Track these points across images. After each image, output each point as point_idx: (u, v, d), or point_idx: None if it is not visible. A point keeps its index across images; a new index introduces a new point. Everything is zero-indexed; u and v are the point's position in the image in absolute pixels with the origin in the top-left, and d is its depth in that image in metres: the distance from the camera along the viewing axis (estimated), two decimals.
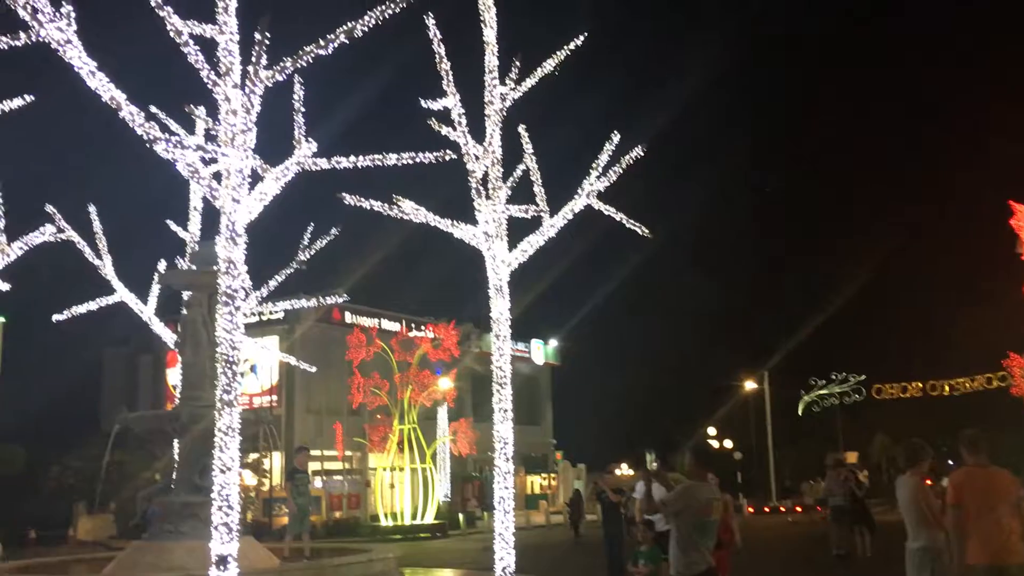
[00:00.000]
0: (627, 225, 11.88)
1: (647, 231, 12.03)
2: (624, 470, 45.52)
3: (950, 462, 35.11)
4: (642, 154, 11.67)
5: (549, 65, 11.38)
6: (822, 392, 60.63)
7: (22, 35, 7.46)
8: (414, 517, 35.26)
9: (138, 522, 16.10)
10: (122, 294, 14.71)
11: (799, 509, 42.97)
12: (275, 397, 43.58)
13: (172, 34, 8.03)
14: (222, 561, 8.22)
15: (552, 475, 56.53)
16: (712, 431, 52.46)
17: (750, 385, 53.36)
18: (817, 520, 31.75)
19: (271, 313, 16.68)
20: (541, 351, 58.39)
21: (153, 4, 7.90)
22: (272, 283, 15.34)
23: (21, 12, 7.23)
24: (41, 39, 7.34)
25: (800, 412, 60.96)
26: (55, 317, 15.28)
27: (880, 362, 61.58)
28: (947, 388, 56.65)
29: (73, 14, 7.43)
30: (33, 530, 33.38)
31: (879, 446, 57.70)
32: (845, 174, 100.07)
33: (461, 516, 37.43)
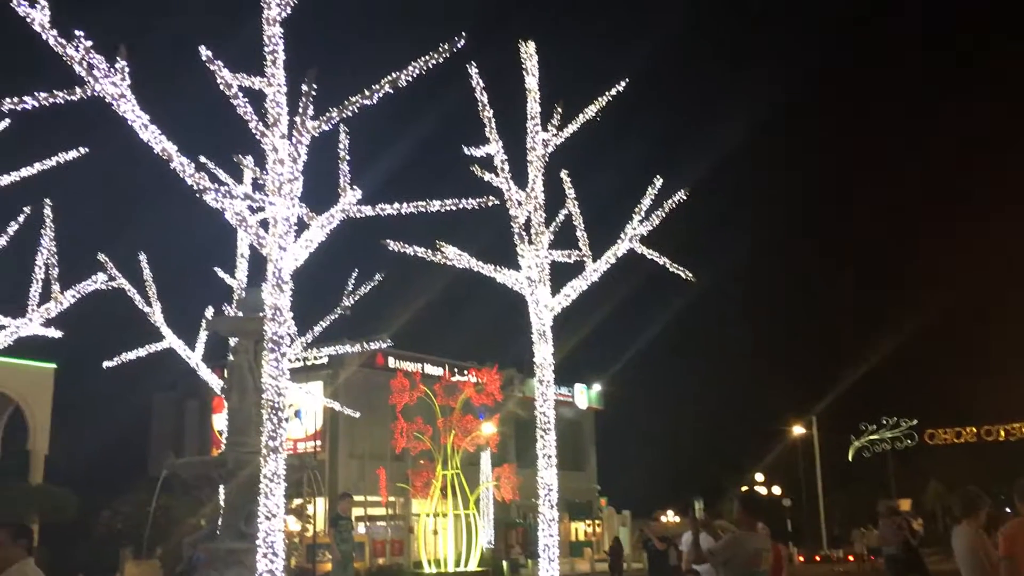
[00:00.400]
0: (671, 269, 11.84)
1: (690, 275, 11.98)
2: (670, 517, 44.82)
3: (1008, 510, 34.10)
4: (685, 198, 11.66)
5: (591, 111, 11.46)
6: (873, 437, 59.36)
7: (78, 90, 7.68)
8: (457, 564, 34.97)
9: (184, 568, 16.14)
10: (170, 340, 14.93)
11: (850, 558, 41.91)
12: (319, 442, 43.71)
13: (222, 87, 8.23)
14: None
15: (597, 522, 55.79)
16: (760, 477, 51.52)
17: (798, 430, 52.45)
18: (868, 570, 30.92)
19: (315, 358, 16.81)
20: (584, 395, 57.99)
21: (204, 58, 8.10)
22: (317, 329, 15.48)
23: (77, 68, 7.46)
24: (96, 94, 7.56)
25: (850, 457, 59.71)
26: (105, 363, 15.53)
27: (933, 406, 60.22)
28: (1003, 433, 55.20)
29: (127, 69, 7.66)
30: (82, 575, 33.64)
31: (933, 493, 56.23)
32: (899, 216, 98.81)
33: (505, 563, 37.04)
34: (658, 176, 11.58)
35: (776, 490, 50.96)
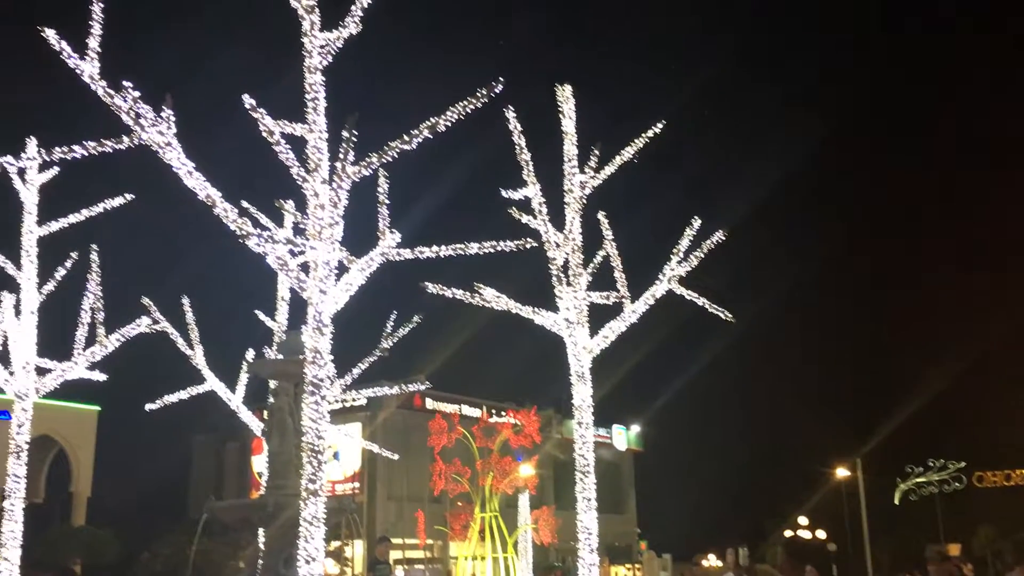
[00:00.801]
0: (709, 310, 11.77)
1: (729, 316, 11.89)
2: (712, 561, 44.03)
3: None
4: (723, 238, 11.62)
5: (628, 152, 11.51)
6: (920, 480, 58.06)
7: (125, 138, 7.87)
8: None
9: None
10: (212, 383, 15.07)
11: None
12: (357, 484, 43.70)
13: (265, 133, 8.38)
14: None
15: (637, 565, 54.98)
16: (803, 520, 50.52)
17: (843, 472, 51.46)
18: None
19: (354, 400, 16.85)
20: (623, 436, 57.50)
21: (248, 106, 8.27)
22: (356, 370, 15.55)
23: (125, 118, 7.65)
24: (143, 142, 7.73)
25: (897, 501, 58.39)
26: (148, 406, 15.69)
27: (982, 448, 58.82)
28: None
29: (172, 118, 7.84)
30: None
31: (983, 538, 54.69)
32: (943, 251, 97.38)
33: None
34: (695, 217, 11.57)
35: (820, 534, 49.89)
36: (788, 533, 49.32)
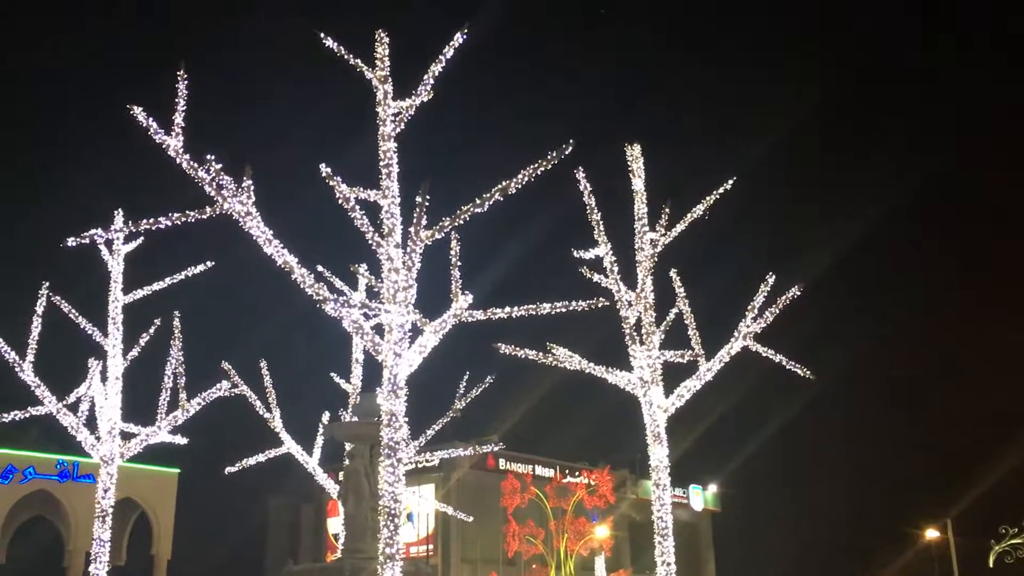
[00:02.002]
0: (787, 367, 11.54)
1: (808, 373, 11.63)
2: None
3: None
4: (799, 294, 11.44)
5: (699, 209, 11.46)
6: (1015, 541, 55.37)
7: (208, 209, 8.12)
8: None
9: None
10: (289, 445, 15.24)
11: None
12: (431, 546, 43.44)
13: (340, 200, 8.58)
14: None
15: None
16: None
17: (932, 534, 49.43)
18: None
19: (427, 461, 16.86)
20: (700, 497, 56.25)
21: (324, 174, 8.48)
22: (429, 432, 15.58)
23: (208, 189, 7.92)
24: (225, 212, 7.98)
25: (991, 564, 55.74)
26: (228, 469, 15.92)
27: None
28: None
29: (252, 187, 8.08)
30: None
31: None
32: None
33: None
34: (771, 273, 11.42)
35: None
36: None
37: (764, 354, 11.49)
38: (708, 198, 11.42)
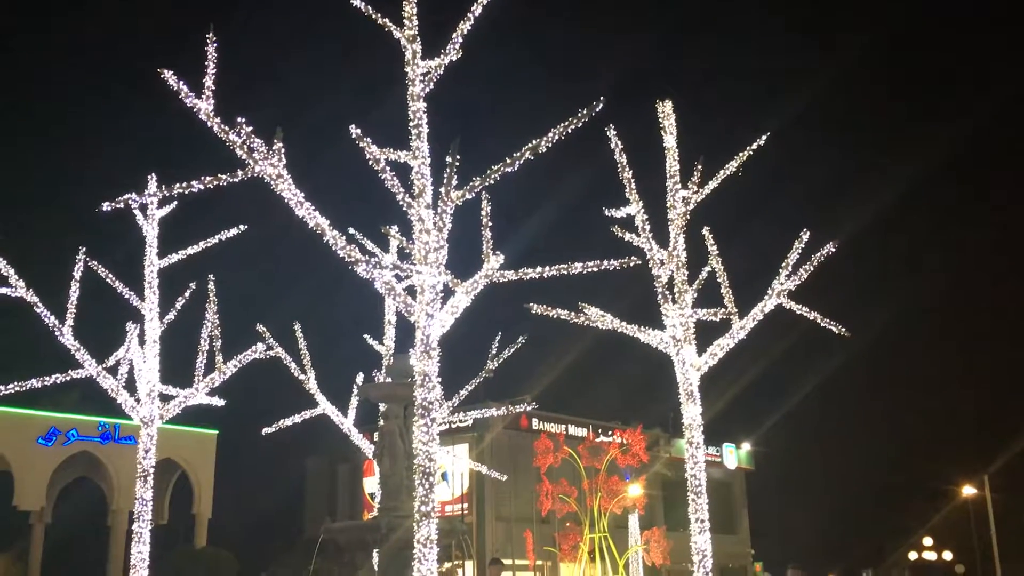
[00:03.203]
0: (823, 324, 11.43)
1: (844, 330, 11.52)
2: None
3: None
4: (834, 251, 11.29)
5: (732, 166, 11.32)
6: None
7: (240, 172, 8.16)
8: None
9: None
10: (324, 406, 15.42)
11: None
12: (466, 505, 43.96)
13: (371, 161, 8.57)
14: None
15: None
16: (928, 541, 48.39)
17: (969, 490, 49.16)
18: None
19: (461, 421, 16.99)
20: (734, 455, 56.33)
21: (354, 136, 8.47)
22: (463, 392, 15.69)
23: (239, 152, 7.94)
24: (256, 175, 8.01)
25: None
26: (264, 430, 16.16)
27: None
28: None
29: (283, 150, 8.09)
30: None
31: None
32: None
33: None
34: (805, 230, 11.28)
35: (947, 555, 47.74)
36: (912, 555, 47.35)
37: (799, 312, 11.39)
38: (741, 154, 11.28)
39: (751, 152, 11.36)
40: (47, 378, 13.43)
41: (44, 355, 15.29)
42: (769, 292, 11.30)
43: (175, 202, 14.06)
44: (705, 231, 11.80)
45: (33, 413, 37.93)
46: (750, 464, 58.21)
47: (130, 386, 13.67)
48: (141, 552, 13.00)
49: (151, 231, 13.98)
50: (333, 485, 53.08)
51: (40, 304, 12.97)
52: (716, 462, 52.85)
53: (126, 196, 8.78)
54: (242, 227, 14.04)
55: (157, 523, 14.05)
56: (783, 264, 11.25)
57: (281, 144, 8.12)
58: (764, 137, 11.32)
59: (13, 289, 12.74)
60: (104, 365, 13.51)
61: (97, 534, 41.35)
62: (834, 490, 65.23)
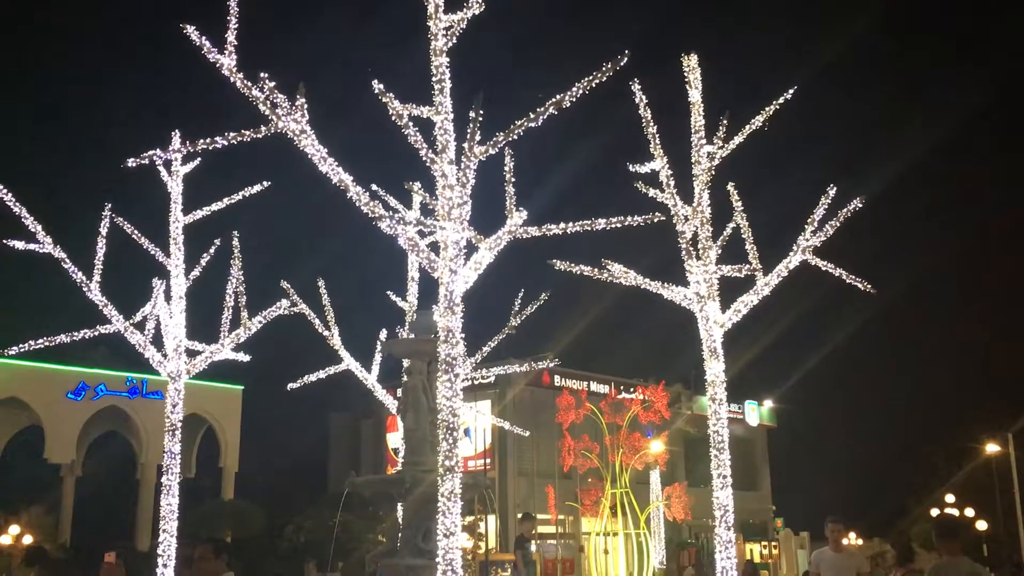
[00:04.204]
0: (848, 281, 11.34)
1: (869, 287, 11.43)
2: (852, 539, 42.76)
3: None
4: (860, 207, 11.16)
5: (758, 121, 11.18)
6: None
7: (263, 128, 8.15)
8: None
9: None
10: (348, 362, 15.55)
11: None
12: (488, 460, 44.40)
13: (393, 117, 8.53)
14: None
15: (773, 543, 53.97)
16: (951, 498, 48.39)
17: (992, 448, 48.98)
18: None
19: (483, 378, 17.09)
20: (756, 412, 56.43)
21: (376, 91, 8.43)
22: (485, 349, 15.75)
23: (262, 107, 7.93)
24: (280, 131, 8.00)
25: None
26: (289, 385, 16.34)
27: None
28: None
29: (306, 106, 8.07)
30: None
31: None
32: None
33: None
34: (832, 185, 11.15)
35: (968, 512, 47.73)
36: (934, 511, 47.40)
37: (824, 268, 11.29)
38: (768, 108, 11.13)
39: (778, 106, 11.21)
40: (75, 333, 13.59)
41: (72, 311, 15.49)
42: (794, 248, 11.20)
43: (199, 159, 14.10)
44: (730, 187, 11.69)
45: (62, 368, 38.54)
46: (772, 421, 58.35)
47: (157, 341, 13.81)
48: (170, 504, 13.22)
49: (175, 188, 14.03)
50: (357, 440, 53.70)
51: (67, 260, 13.09)
52: (738, 419, 52.99)
53: (150, 152, 8.80)
54: (265, 183, 14.07)
55: (185, 477, 14.28)
56: (809, 220, 11.13)
57: (304, 100, 8.10)
58: (792, 91, 11.16)
59: (41, 245, 12.87)
60: (131, 321, 13.65)
61: (126, 487, 42.17)
62: (856, 448, 65.36)
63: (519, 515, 12.57)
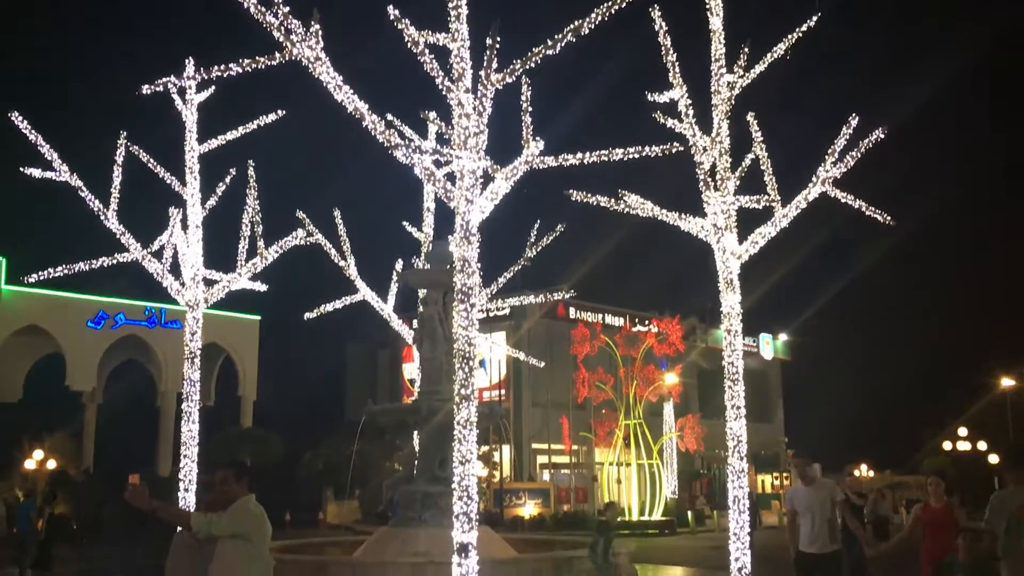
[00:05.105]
0: (867, 213, 11.22)
1: (889, 219, 11.31)
2: (864, 471, 43.19)
3: None
4: (882, 137, 10.98)
5: (779, 49, 10.96)
6: None
7: (277, 55, 8.05)
8: (642, 513, 35.15)
9: (383, 509, 17.05)
10: (364, 293, 15.62)
11: None
12: (503, 391, 44.84)
13: (409, 44, 8.41)
14: (463, 549, 8.53)
15: (785, 474, 54.60)
16: (963, 431, 48.63)
17: (1007, 382, 49.03)
18: None
19: (498, 309, 17.15)
20: (770, 346, 56.59)
21: (392, 17, 8.30)
22: (500, 280, 15.79)
23: (276, 34, 7.82)
24: (294, 58, 7.91)
25: None
26: (306, 315, 16.46)
27: None
28: None
29: (320, 32, 7.96)
30: (288, 513, 36.25)
31: None
32: None
33: (690, 514, 36.89)
34: (853, 114, 10.96)
35: (981, 446, 48.02)
36: (947, 444, 47.73)
37: (843, 200, 11.16)
38: (790, 37, 10.89)
39: (801, 34, 10.97)
40: (94, 261, 13.67)
41: (91, 241, 15.55)
42: (814, 179, 11.06)
43: (213, 87, 13.99)
44: (750, 117, 11.51)
45: (82, 297, 38.97)
46: (786, 355, 58.58)
47: (174, 271, 13.89)
48: (191, 430, 13.44)
49: (190, 116, 13.96)
50: (373, 371, 54.29)
51: (84, 188, 13.11)
52: (753, 352, 53.20)
53: (164, 79, 8.73)
54: (281, 112, 13.97)
55: (204, 404, 14.50)
56: (829, 150, 10.97)
57: (318, 26, 7.98)
58: (815, 18, 10.91)
59: (57, 173, 12.88)
60: (149, 249, 13.71)
61: (147, 415, 42.93)
62: (870, 381, 65.54)
63: (603, 504, 12.03)
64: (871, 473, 48.85)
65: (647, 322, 40.69)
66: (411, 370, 30.87)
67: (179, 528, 5.41)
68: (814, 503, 7.65)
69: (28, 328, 38.11)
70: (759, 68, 11.04)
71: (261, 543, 5.30)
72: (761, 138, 11.46)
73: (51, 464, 33.44)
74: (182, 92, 13.85)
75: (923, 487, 8.95)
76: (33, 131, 12.52)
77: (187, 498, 12.87)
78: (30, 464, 32.93)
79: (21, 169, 12.90)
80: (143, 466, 37.14)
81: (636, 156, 9.87)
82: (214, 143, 13.99)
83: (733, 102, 11.08)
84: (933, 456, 48.17)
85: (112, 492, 27.44)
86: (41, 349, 40.79)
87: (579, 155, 9.46)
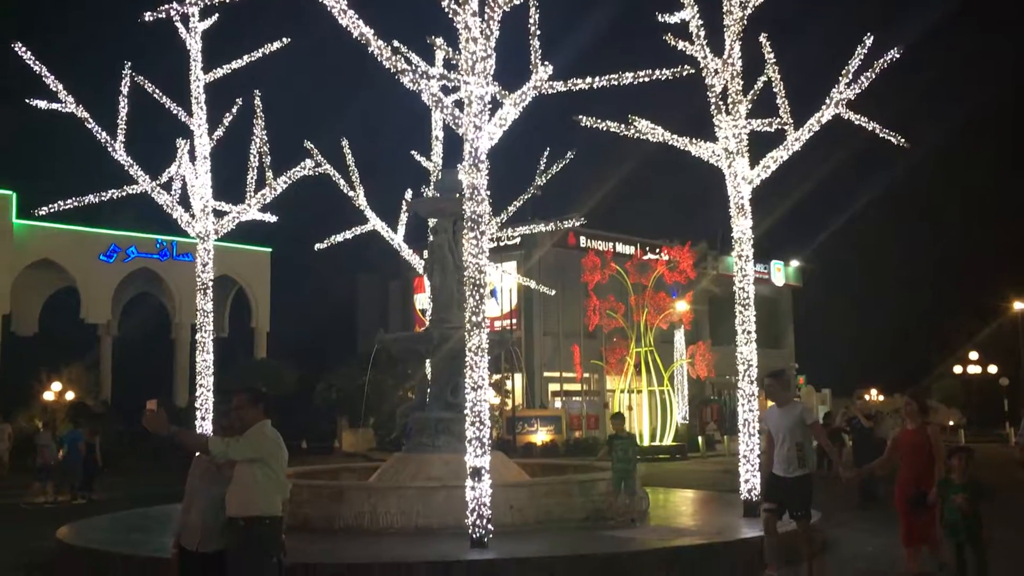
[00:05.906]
0: (881, 135, 11.08)
1: (903, 141, 11.17)
2: (874, 395, 43.43)
3: None
4: (897, 57, 10.78)
5: None
6: None
7: None
8: (653, 439, 35.55)
9: (398, 436, 17.29)
10: (374, 222, 15.60)
11: None
12: (514, 320, 45.04)
13: None
14: (476, 473, 8.68)
15: (795, 399, 54.93)
16: (974, 355, 48.70)
17: (1020, 305, 48.88)
18: None
19: (509, 238, 17.11)
20: (781, 272, 56.51)
21: None
22: (511, 208, 15.73)
23: None
24: None
25: None
26: (316, 246, 16.47)
27: None
28: None
29: None
30: (304, 441, 36.84)
31: None
32: None
33: (700, 439, 37.27)
34: (868, 34, 10.74)
35: (992, 369, 48.13)
36: (957, 368, 47.90)
37: (857, 122, 11.01)
38: None
39: None
40: (103, 193, 13.66)
41: (102, 174, 15.52)
42: (827, 101, 10.90)
43: (216, 14, 13.79)
44: (762, 38, 11.30)
45: (93, 230, 39.06)
46: (798, 281, 58.46)
47: (184, 203, 13.88)
48: (206, 360, 13.59)
49: (194, 45, 13.78)
50: (385, 301, 54.51)
51: (90, 120, 13.02)
52: (764, 279, 53.10)
53: (166, 6, 8.60)
54: (286, 40, 13.78)
55: (218, 335, 14.62)
56: (843, 71, 10.78)
57: None
58: None
59: (63, 104, 12.78)
60: (158, 181, 13.68)
61: (162, 346, 43.36)
62: (882, 306, 65.55)
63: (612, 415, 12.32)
64: (881, 397, 49.15)
65: (658, 250, 40.58)
66: (423, 300, 31.00)
67: (197, 454, 5.50)
68: (783, 425, 7.69)
69: (41, 262, 38.30)
70: None
71: (278, 467, 5.38)
72: (774, 59, 11.27)
73: (69, 395, 33.95)
74: (185, 19, 13.66)
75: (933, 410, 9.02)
76: (37, 62, 12.40)
77: (204, 427, 13.07)
78: (48, 396, 33.44)
79: (26, 100, 12.81)
80: (160, 396, 37.68)
81: (647, 80, 9.74)
82: (219, 72, 13.84)
83: (745, 22, 10.88)
84: (943, 380, 48.40)
85: (129, 424, 27.91)
86: (55, 283, 41.05)
87: (588, 79, 9.35)
